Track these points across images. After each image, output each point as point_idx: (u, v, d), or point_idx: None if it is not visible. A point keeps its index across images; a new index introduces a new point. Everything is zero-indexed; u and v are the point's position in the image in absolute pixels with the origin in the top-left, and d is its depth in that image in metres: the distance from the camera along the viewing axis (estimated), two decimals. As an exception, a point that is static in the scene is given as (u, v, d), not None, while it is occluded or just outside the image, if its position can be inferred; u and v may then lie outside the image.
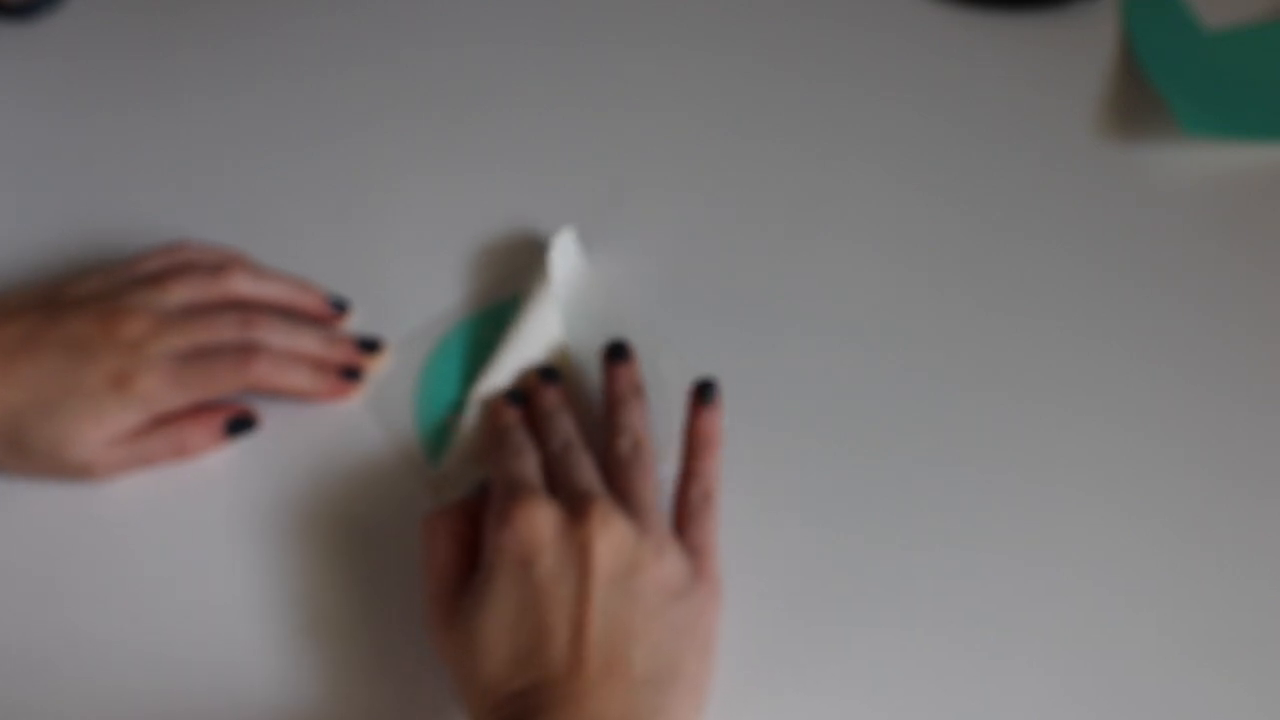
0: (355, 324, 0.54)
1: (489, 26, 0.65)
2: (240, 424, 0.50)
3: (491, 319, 0.54)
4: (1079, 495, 0.49)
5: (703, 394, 0.47)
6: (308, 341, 0.51)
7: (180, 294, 0.49)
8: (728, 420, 0.48)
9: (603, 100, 0.62)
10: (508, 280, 0.55)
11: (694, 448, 0.47)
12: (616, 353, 0.50)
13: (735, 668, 0.44)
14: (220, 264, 0.51)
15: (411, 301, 0.54)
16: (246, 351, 0.48)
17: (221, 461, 0.50)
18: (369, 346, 0.52)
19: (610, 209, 0.57)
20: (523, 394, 0.50)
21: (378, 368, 0.52)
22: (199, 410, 0.49)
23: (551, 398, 0.49)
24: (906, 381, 0.52)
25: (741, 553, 0.45)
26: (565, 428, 0.47)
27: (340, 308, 0.53)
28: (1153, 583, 0.47)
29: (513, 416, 0.49)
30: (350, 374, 0.51)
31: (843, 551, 0.48)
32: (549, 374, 0.50)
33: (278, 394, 0.50)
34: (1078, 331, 0.54)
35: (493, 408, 0.50)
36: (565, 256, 0.54)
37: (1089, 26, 0.65)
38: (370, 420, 0.51)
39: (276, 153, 0.59)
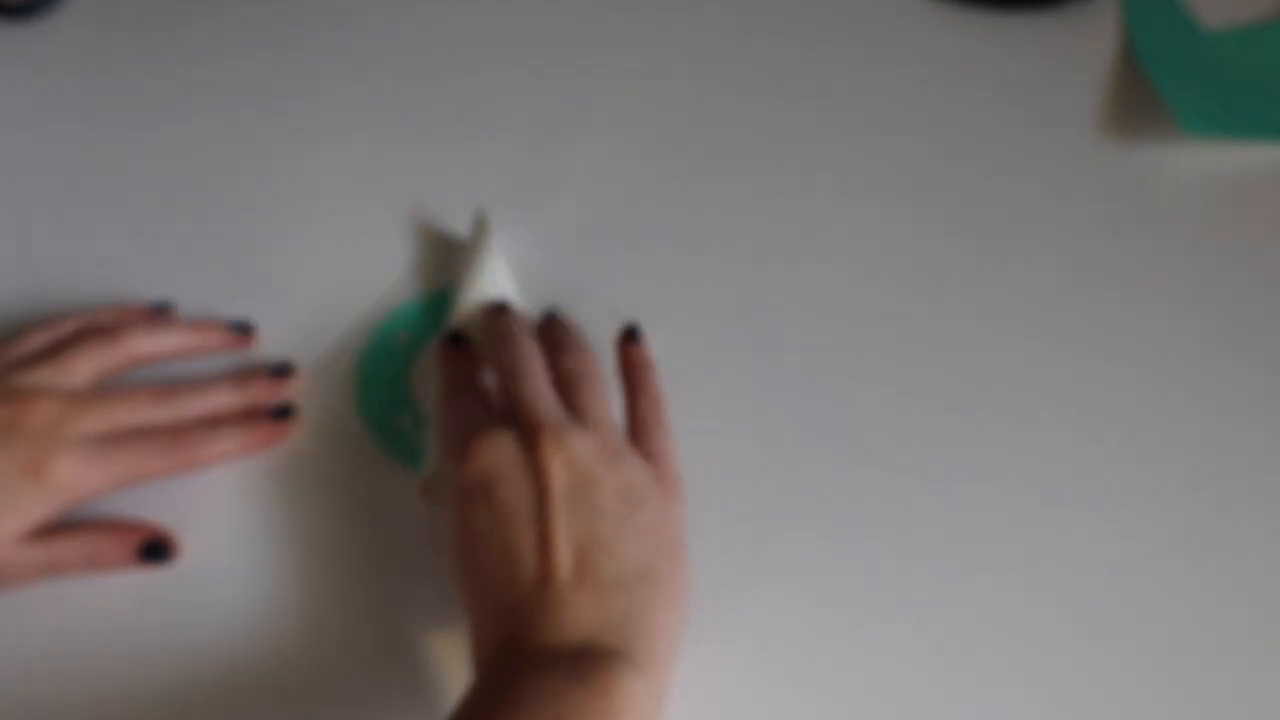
0: (288, 342, 0.53)
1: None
2: (157, 550, 0.47)
3: (410, 316, 0.54)
4: (1079, 494, 0.49)
5: (631, 337, 0.49)
6: (225, 398, 0.49)
7: (83, 368, 0.47)
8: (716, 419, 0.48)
9: (591, 97, 0.62)
10: (417, 276, 0.55)
11: (632, 372, 0.48)
12: (549, 319, 0.51)
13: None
14: (112, 324, 0.49)
15: (327, 315, 0.54)
16: (174, 436, 0.47)
17: (196, 487, 0.49)
18: (281, 372, 0.51)
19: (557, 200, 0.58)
20: (461, 335, 0.50)
21: (298, 389, 0.51)
22: (117, 525, 0.47)
23: (505, 322, 0.49)
24: (908, 381, 0.52)
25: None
26: (515, 332, 0.48)
27: (245, 331, 0.52)
28: (1152, 580, 0.47)
29: (453, 355, 0.49)
30: (282, 412, 0.49)
31: (844, 558, 0.48)
32: (501, 308, 0.51)
33: (217, 464, 0.48)
34: (1078, 330, 0.54)
35: (435, 351, 0.49)
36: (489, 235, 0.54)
37: (1089, 26, 0.65)
38: (323, 441, 0.51)
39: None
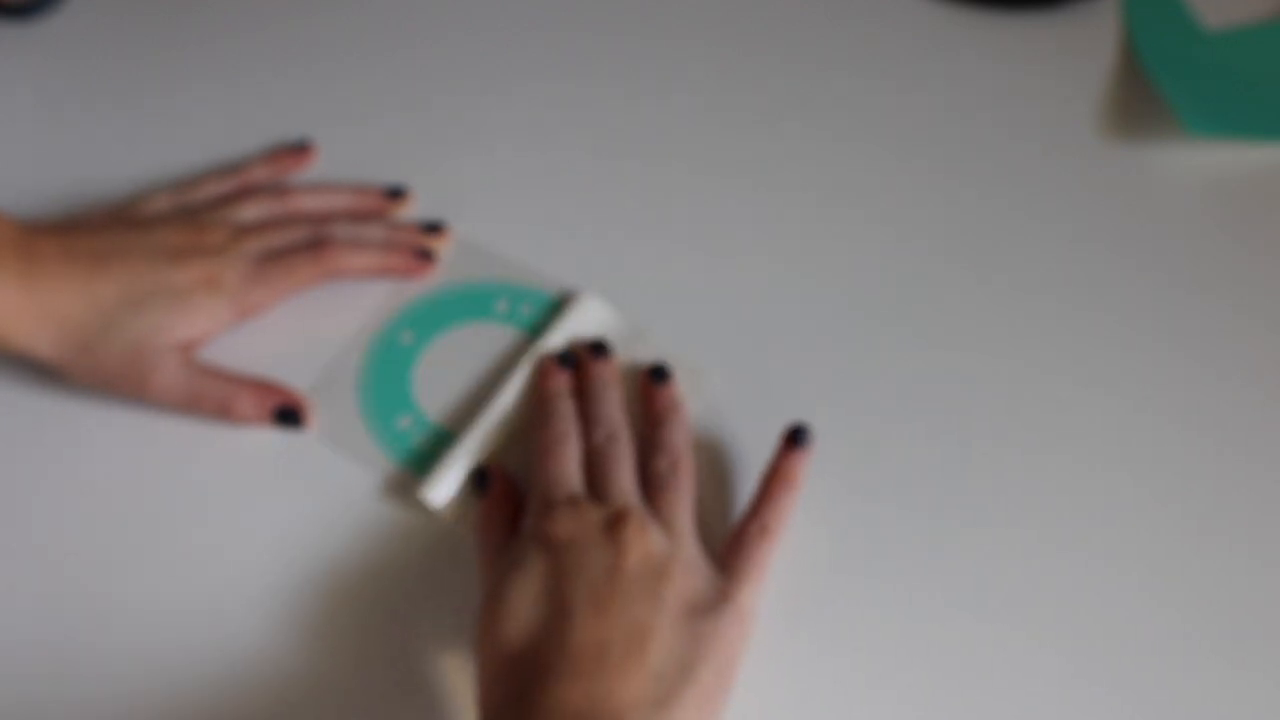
0: (276, 356, 0.53)
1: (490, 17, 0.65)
2: (290, 415, 0.50)
3: (415, 316, 0.54)
4: (1082, 497, 0.49)
5: (795, 438, 0.48)
6: (374, 232, 0.54)
7: (252, 210, 0.54)
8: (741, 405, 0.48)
9: (592, 91, 0.62)
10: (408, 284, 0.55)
11: (770, 484, 0.47)
12: (657, 374, 0.51)
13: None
14: (281, 186, 0.55)
15: (332, 312, 0.54)
16: (319, 243, 0.52)
17: (213, 512, 0.49)
18: (433, 228, 0.55)
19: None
20: (573, 357, 0.51)
21: (444, 246, 0.55)
22: (259, 383, 0.50)
23: (601, 372, 0.50)
24: (907, 383, 0.52)
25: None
26: (611, 414, 0.48)
27: (397, 194, 0.56)
28: (1152, 575, 0.47)
29: (562, 382, 0.50)
30: (422, 254, 0.54)
31: (847, 549, 0.48)
32: (599, 348, 0.51)
33: (357, 276, 0.53)
34: (1082, 331, 0.54)
35: (542, 368, 0.50)
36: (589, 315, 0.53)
37: (1090, 26, 0.65)
38: (332, 449, 0.51)
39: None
